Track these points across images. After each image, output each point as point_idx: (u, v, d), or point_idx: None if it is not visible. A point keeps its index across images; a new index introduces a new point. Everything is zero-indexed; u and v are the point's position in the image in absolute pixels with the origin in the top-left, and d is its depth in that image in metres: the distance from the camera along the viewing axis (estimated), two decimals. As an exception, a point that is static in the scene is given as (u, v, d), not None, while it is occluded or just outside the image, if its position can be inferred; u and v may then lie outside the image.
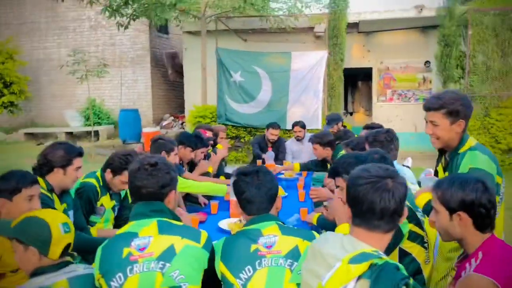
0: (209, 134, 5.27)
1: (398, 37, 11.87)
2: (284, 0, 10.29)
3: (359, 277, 1.36)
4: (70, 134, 12.77)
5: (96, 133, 12.59)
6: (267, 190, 1.96)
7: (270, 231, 1.87)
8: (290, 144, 6.58)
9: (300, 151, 6.45)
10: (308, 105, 9.55)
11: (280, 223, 1.95)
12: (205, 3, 10.06)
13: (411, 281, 1.36)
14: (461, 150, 2.37)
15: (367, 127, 4.65)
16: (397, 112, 12.10)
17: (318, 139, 4.61)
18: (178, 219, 1.96)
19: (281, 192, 4.10)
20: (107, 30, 13.66)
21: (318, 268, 1.49)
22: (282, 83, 9.63)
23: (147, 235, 1.81)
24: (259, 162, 5.99)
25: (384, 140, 3.06)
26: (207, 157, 4.91)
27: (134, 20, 10.83)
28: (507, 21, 9.18)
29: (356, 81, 14.49)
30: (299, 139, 6.46)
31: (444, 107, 2.33)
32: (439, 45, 9.66)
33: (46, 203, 2.45)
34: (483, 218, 1.72)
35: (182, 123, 13.74)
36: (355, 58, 11.97)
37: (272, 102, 9.72)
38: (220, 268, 1.84)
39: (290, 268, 1.78)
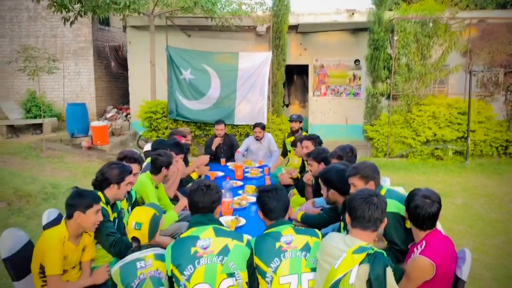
0: (188, 137, 5.91)
1: (332, 38, 12.99)
2: (230, 2, 10.88)
3: (360, 263, 2.20)
4: (11, 127, 12.55)
5: (40, 126, 12.53)
6: (283, 202, 2.77)
7: (287, 232, 2.65)
8: (249, 142, 7.30)
9: (258, 150, 7.24)
10: (255, 102, 10.33)
11: (293, 225, 2.75)
12: (154, 2, 10.47)
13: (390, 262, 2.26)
14: None
15: (308, 137, 5.37)
16: (330, 106, 13.29)
17: (314, 155, 4.55)
18: (222, 225, 2.73)
19: (254, 190, 4.87)
20: (47, 21, 13.48)
21: (329, 258, 2.33)
22: (230, 81, 10.32)
23: (207, 238, 2.57)
24: (222, 161, 6.71)
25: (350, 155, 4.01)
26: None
27: (81, 16, 10.95)
28: (425, 29, 10.52)
29: (292, 75, 15.49)
30: (258, 139, 7.23)
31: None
32: (369, 48, 10.84)
33: (104, 215, 3.06)
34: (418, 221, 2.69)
35: (126, 115, 13.98)
36: (293, 55, 12.93)
37: (220, 99, 10.38)
38: (255, 260, 2.61)
39: (305, 258, 2.56)
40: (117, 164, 3.38)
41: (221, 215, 4.05)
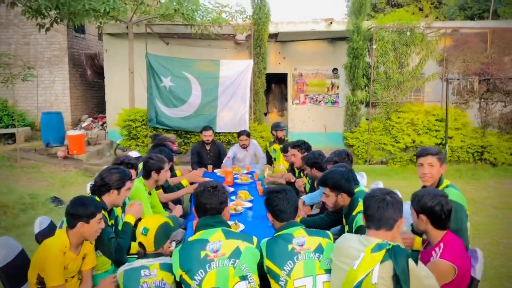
0: (175, 144, 5.80)
1: (310, 47, 13.13)
2: (211, 10, 10.83)
3: (382, 261, 2.16)
4: (-19, 137, 12.11)
5: (12, 136, 12.13)
6: (293, 203, 2.72)
7: (299, 234, 2.59)
8: (235, 150, 7.25)
9: (245, 157, 7.20)
10: (236, 109, 10.28)
11: (304, 227, 2.69)
12: (133, 10, 10.33)
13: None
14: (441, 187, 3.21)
15: (293, 145, 5.35)
16: (309, 114, 13.38)
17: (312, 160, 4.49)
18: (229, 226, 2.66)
19: (247, 195, 4.82)
20: (20, 28, 13.11)
21: (346, 259, 2.28)
22: (211, 88, 10.24)
23: (217, 240, 2.49)
24: (210, 168, 6.62)
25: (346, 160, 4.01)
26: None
27: (57, 23, 10.70)
28: (403, 37, 10.73)
29: (270, 84, 15.53)
30: (244, 147, 7.17)
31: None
32: (348, 57, 10.98)
33: (103, 221, 2.94)
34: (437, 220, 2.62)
35: (102, 124, 13.70)
36: (272, 64, 12.98)
37: (202, 106, 10.28)
38: (266, 263, 2.52)
39: (318, 259, 2.51)
40: (116, 168, 3.27)
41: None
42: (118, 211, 3.56)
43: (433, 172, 3.21)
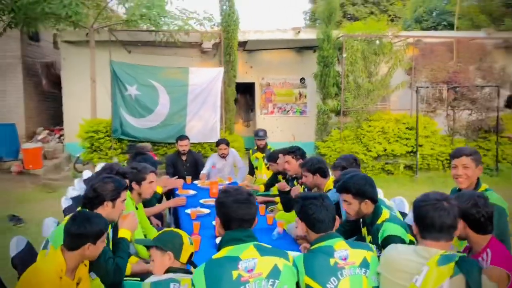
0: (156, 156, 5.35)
1: (277, 56, 12.98)
2: (178, 16, 10.43)
3: (451, 276, 1.87)
4: None
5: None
6: (331, 210, 2.39)
7: (340, 246, 2.27)
8: (214, 160, 6.84)
9: (224, 167, 6.81)
10: (207, 118, 9.89)
11: (343, 238, 2.36)
12: (95, 17, 9.80)
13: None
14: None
15: (287, 152, 4.88)
16: (277, 124, 13.16)
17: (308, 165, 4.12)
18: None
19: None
20: (-32, 34, 12.18)
21: (404, 273, 1.98)
22: (180, 97, 9.81)
23: (251, 258, 2.09)
24: (188, 179, 6.18)
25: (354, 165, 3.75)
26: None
27: (11, 28, 10.01)
28: (372, 46, 10.75)
29: (237, 94, 15.25)
30: (223, 156, 6.80)
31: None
32: (318, 65, 10.86)
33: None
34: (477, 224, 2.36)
35: (59, 137, 12.90)
36: (240, 73, 12.66)
37: (170, 116, 9.81)
38: (306, 281, 2.17)
39: (365, 275, 2.20)
40: (110, 177, 2.83)
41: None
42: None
43: (468, 173, 3.01)
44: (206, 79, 9.86)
